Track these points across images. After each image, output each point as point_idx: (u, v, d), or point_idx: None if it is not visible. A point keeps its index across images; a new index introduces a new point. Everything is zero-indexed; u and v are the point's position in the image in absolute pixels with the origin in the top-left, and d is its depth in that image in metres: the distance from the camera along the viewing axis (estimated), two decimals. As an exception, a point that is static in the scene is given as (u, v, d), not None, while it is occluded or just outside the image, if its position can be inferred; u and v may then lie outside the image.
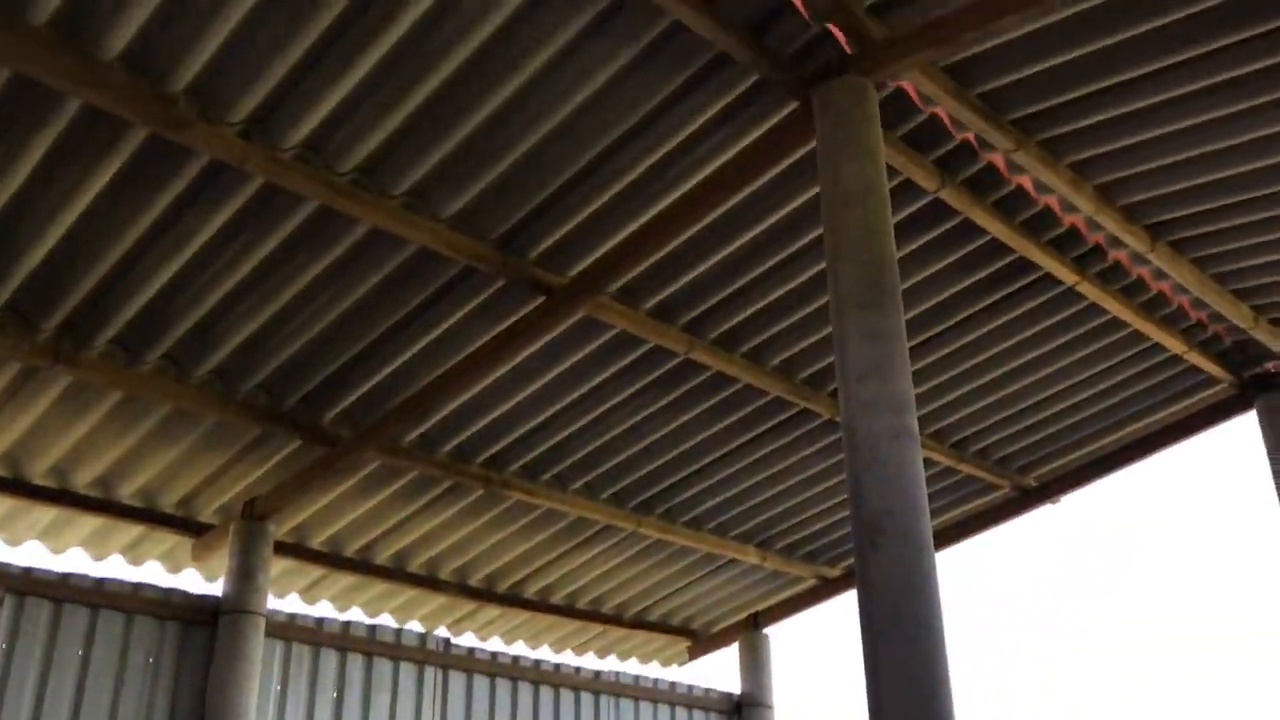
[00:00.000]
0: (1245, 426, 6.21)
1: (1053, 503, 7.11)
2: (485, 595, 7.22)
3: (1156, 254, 4.99)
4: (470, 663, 6.78)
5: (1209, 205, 4.81)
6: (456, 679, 6.72)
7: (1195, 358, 5.84)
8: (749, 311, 5.28)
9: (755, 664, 8.10)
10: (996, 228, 4.80)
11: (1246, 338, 5.82)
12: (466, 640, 7.22)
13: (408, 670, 6.49)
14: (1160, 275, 5.24)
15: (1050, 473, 7.01)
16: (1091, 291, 5.26)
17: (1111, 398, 6.30)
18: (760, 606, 8.16)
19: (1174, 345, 5.74)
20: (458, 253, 4.55)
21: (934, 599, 3.01)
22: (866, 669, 3.00)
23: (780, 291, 5.15)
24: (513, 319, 5.03)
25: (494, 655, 6.98)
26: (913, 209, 4.71)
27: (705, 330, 5.36)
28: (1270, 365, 6.00)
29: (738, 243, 4.82)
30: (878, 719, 2.91)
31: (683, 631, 8.31)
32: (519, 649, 7.75)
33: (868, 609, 3.05)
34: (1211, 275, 5.32)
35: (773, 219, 4.73)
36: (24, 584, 5.27)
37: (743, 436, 6.23)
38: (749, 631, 8.18)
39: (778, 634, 8.34)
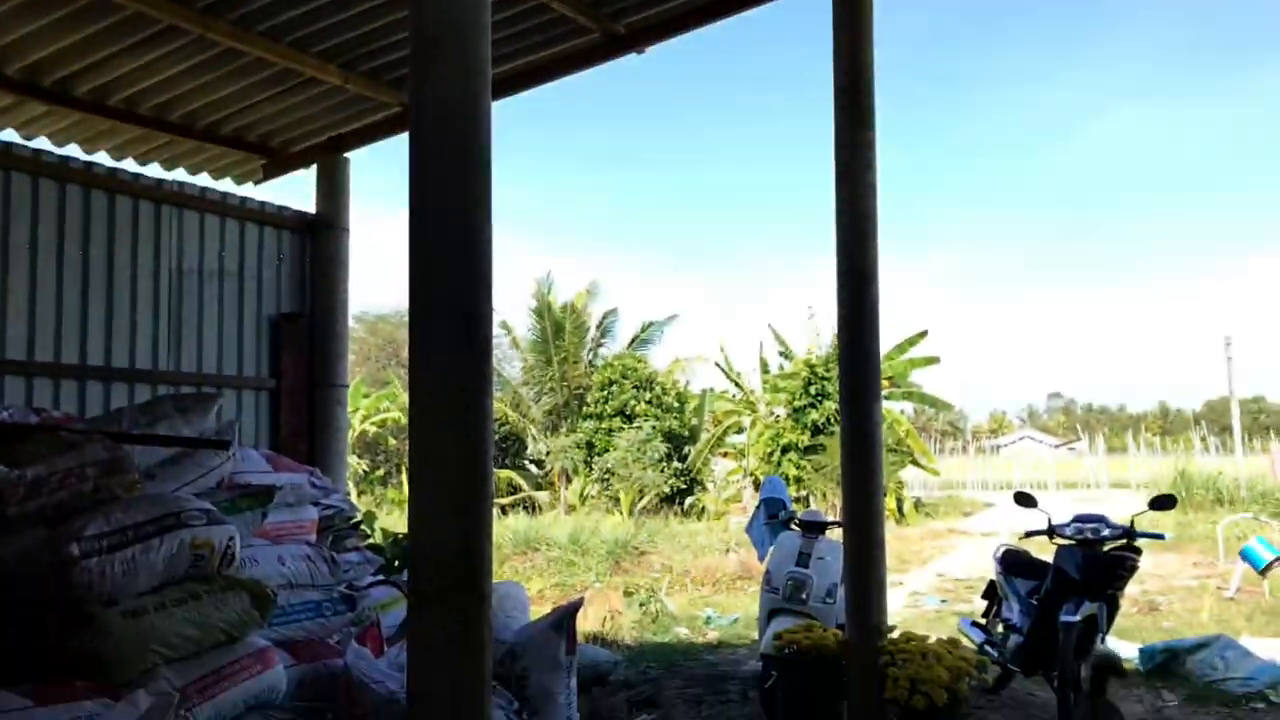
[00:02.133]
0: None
1: (639, 52, 7.27)
2: (28, 89, 6.44)
3: None
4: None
5: None
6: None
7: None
8: None
9: (333, 187, 8.03)
10: None
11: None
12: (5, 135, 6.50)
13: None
14: None
15: (641, 21, 7.10)
16: None
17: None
18: (342, 130, 7.95)
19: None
20: None
21: (482, 124, 3.03)
22: (412, 193, 3.02)
23: None
24: None
25: (36, 153, 6.32)
26: None
27: None
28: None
29: None
30: (418, 239, 2.98)
31: (259, 149, 7.97)
32: (72, 151, 7.11)
33: (419, 129, 3.03)
34: None
35: None
36: None
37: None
38: (328, 154, 8.02)
39: (358, 159, 8.23)
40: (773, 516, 8.02)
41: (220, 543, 3.67)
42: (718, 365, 26.89)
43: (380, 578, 5.54)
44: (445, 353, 2.77)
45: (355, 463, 24.51)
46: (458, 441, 2.73)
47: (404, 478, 25.53)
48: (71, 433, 3.88)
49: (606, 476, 24.47)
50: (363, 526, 6.18)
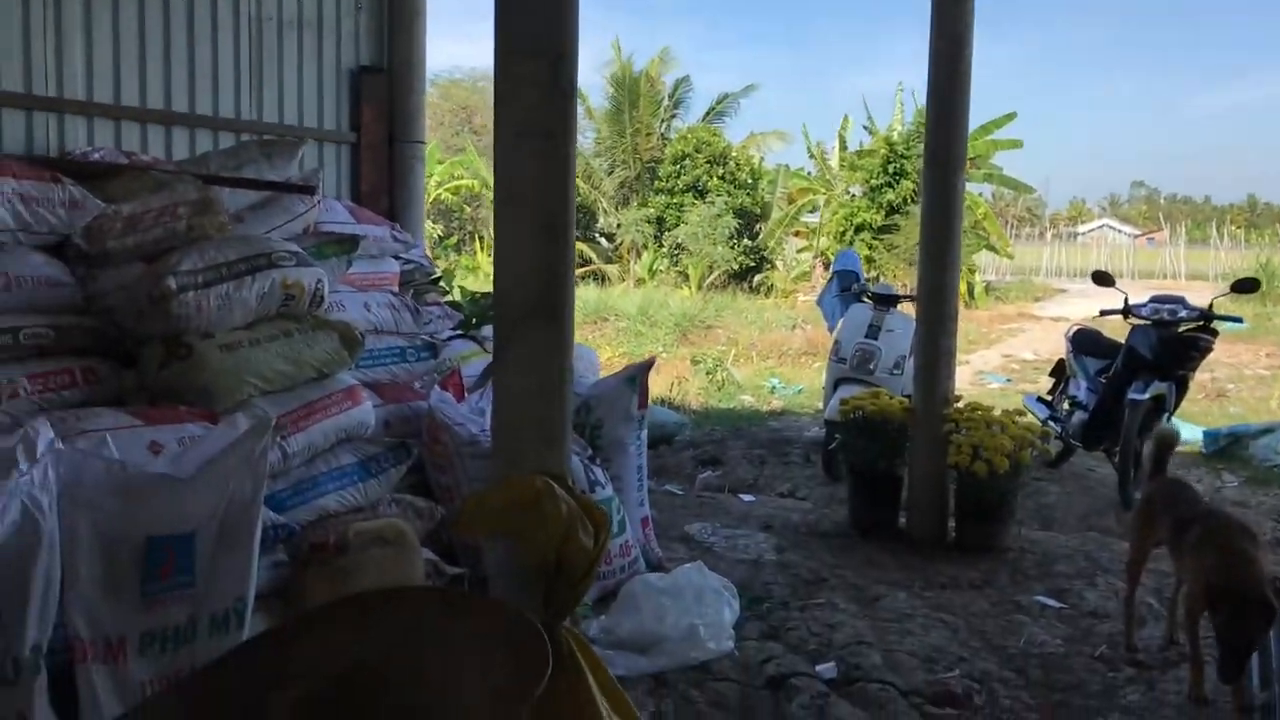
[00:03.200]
0: None
1: None
2: None
3: None
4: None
5: None
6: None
7: None
8: None
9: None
10: None
11: None
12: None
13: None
14: None
15: None
16: None
17: None
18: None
19: None
20: None
21: None
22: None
23: None
24: None
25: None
26: None
27: None
28: None
29: None
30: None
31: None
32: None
33: None
34: None
35: None
36: None
37: None
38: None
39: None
40: (845, 289, 8.04)
41: (309, 284, 3.78)
42: (795, 140, 26.33)
43: (459, 333, 5.70)
44: (533, 92, 2.75)
45: (430, 227, 24.76)
46: (542, 175, 2.75)
47: (477, 245, 25.81)
48: (163, 172, 3.95)
49: (676, 252, 24.49)
50: (441, 283, 6.32)
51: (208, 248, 3.58)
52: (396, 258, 5.42)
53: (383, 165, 6.23)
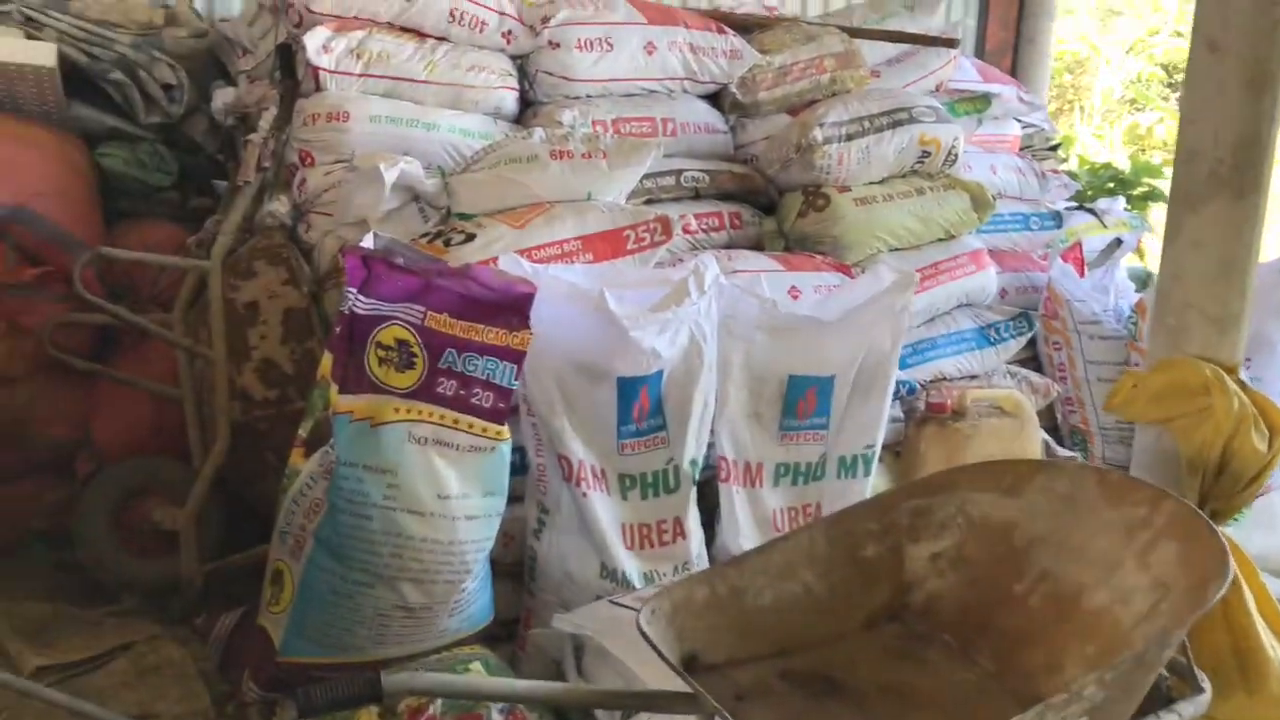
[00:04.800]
0: None
1: None
2: None
3: None
4: None
5: None
6: None
7: None
8: None
9: None
10: None
11: None
12: None
13: None
14: None
15: None
16: None
17: None
18: None
19: None
20: None
21: None
22: None
23: None
24: None
25: None
26: None
27: None
28: None
29: None
30: None
31: None
32: None
33: None
34: None
35: None
36: None
37: None
38: None
39: None
40: None
41: (946, 141, 3.69)
42: None
43: (1077, 205, 5.34)
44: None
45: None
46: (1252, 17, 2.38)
47: (1077, 115, 23.98)
48: (811, 25, 4.02)
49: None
50: (1059, 150, 5.92)
51: (851, 100, 3.61)
52: (1017, 120, 5.14)
53: (1010, 21, 5.91)
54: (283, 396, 3.00)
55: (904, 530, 2.12)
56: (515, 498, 2.57)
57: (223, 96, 3.70)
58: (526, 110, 3.52)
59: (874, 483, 2.94)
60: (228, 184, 3.65)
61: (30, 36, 3.53)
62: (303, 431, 2.37)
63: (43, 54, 3.45)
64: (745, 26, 3.96)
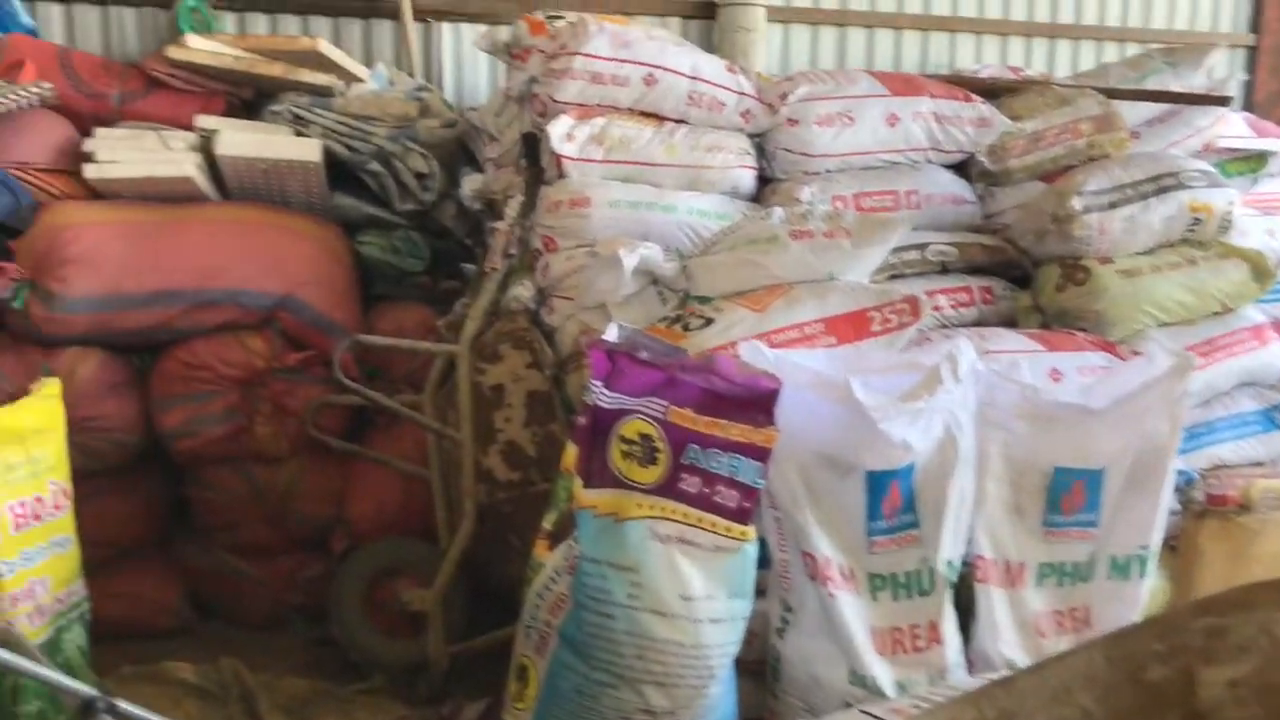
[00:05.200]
0: None
1: None
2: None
3: None
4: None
5: None
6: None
7: None
8: None
9: None
10: None
11: None
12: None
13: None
14: None
15: None
16: None
17: None
18: None
19: None
20: None
21: None
22: None
23: None
24: None
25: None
26: None
27: None
28: None
29: None
30: None
31: None
32: None
33: None
34: None
35: None
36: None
37: None
38: None
39: None
40: None
41: (1219, 206, 3.40)
42: None
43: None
44: None
45: None
46: None
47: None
48: (1065, 87, 3.82)
49: None
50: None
51: (1112, 166, 3.38)
52: (1300, 176, 4.71)
53: (1283, 69, 5.45)
54: (526, 479, 3.03)
55: (1196, 652, 1.88)
56: (758, 592, 2.48)
57: (471, 183, 3.84)
58: (764, 187, 3.47)
59: (1150, 584, 2.67)
60: (475, 268, 3.77)
61: (298, 133, 3.78)
62: (547, 524, 2.36)
63: (309, 150, 3.68)
64: (992, 92, 3.80)
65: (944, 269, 3.34)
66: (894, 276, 3.19)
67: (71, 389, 3.16)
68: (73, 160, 3.65)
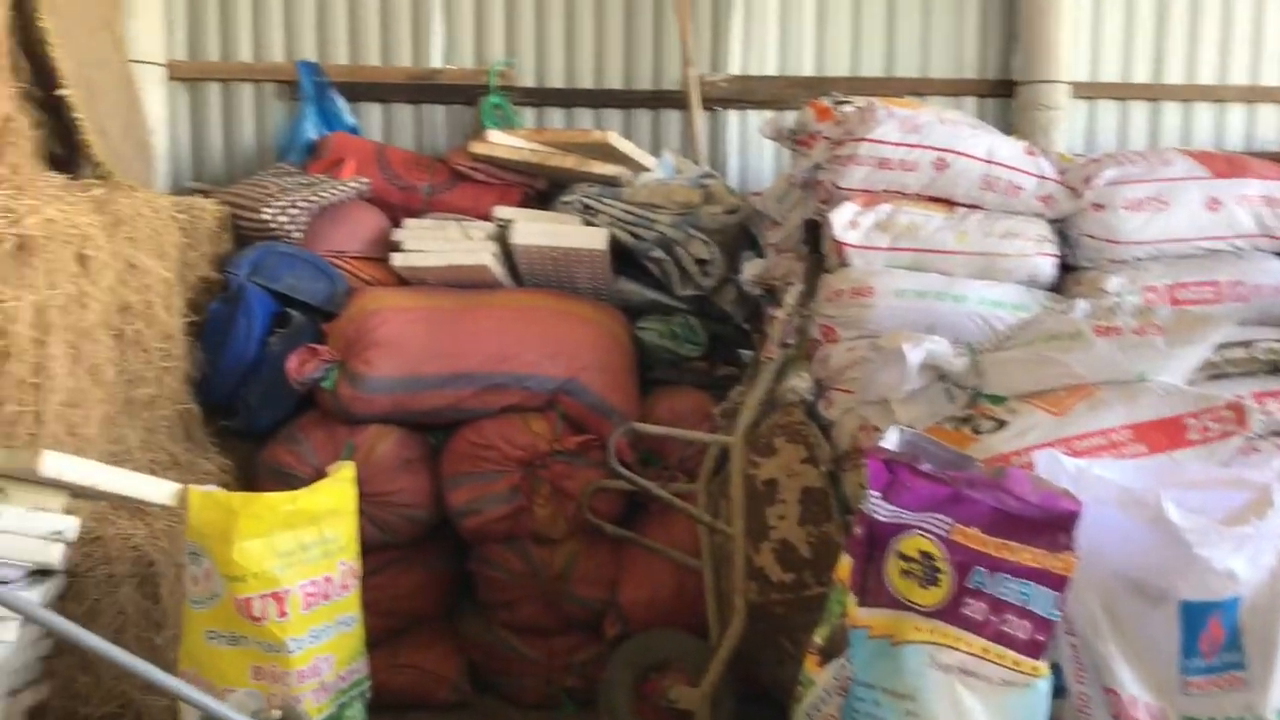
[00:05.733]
0: None
1: None
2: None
3: None
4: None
5: None
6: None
7: None
8: None
9: None
10: None
11: None
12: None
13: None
14: None
15: None
16: None
17: None
18: None
19: None
20: None
21: None
22: None
23: None
24: None
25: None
26: None
27: None
28: None
29: None
30: None
31: None
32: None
33: None
34: None
35: None
36: None
37: None
38: None
39: None
40: None
41: None
42: None
43: None
44: None
45: None
46: None
47: None
48: None
49: None
50: None
51: None
52: None
53: None
54: (799, 581, 2.91)
55: None
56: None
57: (751, 268, 3.81)
58: (1066, 276, 3.24)
59: None
60: (752, 355, 3.73)
61: (587, 222, 3.89)
62: (819, 638, 2.24)
63: (597, 239, 3.79)
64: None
65: (1275, 369, 3.00)
66: (1215, 377, 2.91)
67: (370, 465, 3.36)
68: (383, 249, 3.92)
